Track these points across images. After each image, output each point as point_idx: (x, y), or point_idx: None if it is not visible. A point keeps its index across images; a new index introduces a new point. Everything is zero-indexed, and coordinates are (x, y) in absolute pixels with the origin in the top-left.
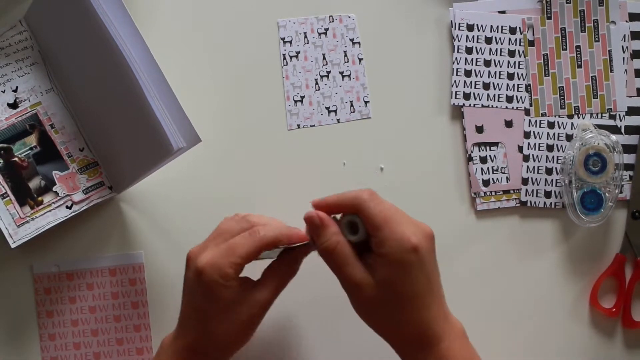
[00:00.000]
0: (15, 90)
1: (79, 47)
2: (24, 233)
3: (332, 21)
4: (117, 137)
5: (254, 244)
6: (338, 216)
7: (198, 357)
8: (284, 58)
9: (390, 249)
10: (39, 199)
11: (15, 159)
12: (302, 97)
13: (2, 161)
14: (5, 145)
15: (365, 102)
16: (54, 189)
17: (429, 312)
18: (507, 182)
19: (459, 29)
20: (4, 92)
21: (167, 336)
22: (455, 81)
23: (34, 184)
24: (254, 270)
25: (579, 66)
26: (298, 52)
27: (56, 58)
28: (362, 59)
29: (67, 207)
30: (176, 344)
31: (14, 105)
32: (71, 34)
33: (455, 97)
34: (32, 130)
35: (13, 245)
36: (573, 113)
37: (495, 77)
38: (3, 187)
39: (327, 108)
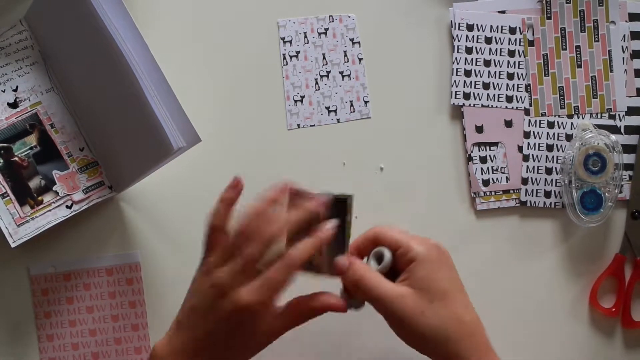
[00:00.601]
0: (15, 90)
1: (79, 47)
2: (24, 232)
3: (332, 21)
4: (117, 137)
5: (288, 273)
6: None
7: None
8: (284, 58)
9: (417, 249)
10: (39, 198)
11: (16, 158)
12: (302, 96)
13: (2, 161)
14: (5, 144)
15: (365, 102)
16: (54, 188)
17: (463, 310)
18: (507, 182)
19: (459, 29)
20: (4, 91)
21: (160, 345)
22: (455, 81)
23: (34, 183)
24: None
25: (579, 66)
26: (298, 52)
27: (56, 58)
28: (362, 58)
29: (67, 206)
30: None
31: (14, 105)
32: (71, 34)
33: (455, 97)
34: (32, 130)
35: (13, 245)
36: (573, 113)
37: (495, 77)
38: (3, 186)
39: (327, 108)
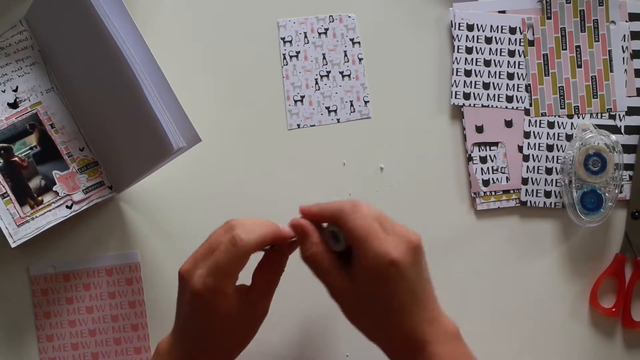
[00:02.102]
0: (15, 90)
1: (79, 47)
2: (24, 232)
3: (332, 21)
4: (117, 137)
5: (237, 254)
6: (325, 224)
7: None
8: (284, 58)
9: (368, 263)
10: (39, 198)
11: (16, 158)
12: (302, 96)
13: (2, 161)
14: (5, 144)
15: (365, 102)
16: (54, 188)
17: (413, 318)
18: (507, 182)
19: (459, 29)
20: (4, 91)
21: (163, 340)
22: (455, 81)
23: (34, 183)
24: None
25: (579, 66)
26: (298, 52)
27: (56, 58)
28: (362, 58)
29: (67, 206)
30: (175, 353)
31: (14, 105)
32: (71, 34)
33: (455, 97)
34: (32, 130)
35: (13, 245)
36: (573, 113)
37: (495, 77)
38: (3, 186)
39: (327, 108)
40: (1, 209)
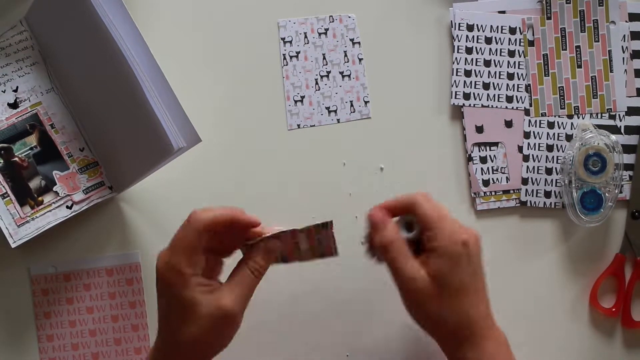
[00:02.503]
0: (15, 90)
1: (79, 47)
2: (24, 233)
3: (332, 21)
4: (117, 137)
5: (190, 230)
6: (395, 219)
7: None
8: (284, 58)
9: (442, 242)
10: (39, 198)
11: (16, 158)
12: (302, 97)
13: (2, 161)
14: (5, 145)
15: (365, 102)
16: (54, 188)
17: (476, 308)
18: (507, 182)
19: (459, 29)
20: (4, 92)
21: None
22: (455, 81)
23: (34, 183)
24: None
25: (579, 66)
26: (298, 52)
27: (56, 58)
28: (362, 59)
29: (67, 207)
30: (152, 349)
31: (14, 105)
32: (71, 34)
33: (455, 97)
34: (32, 130)
35: (13, 245)
36: (573, 113)
37: (495, 77)
38: (3, 187)
39: (327, 108)
40: (1, 209)
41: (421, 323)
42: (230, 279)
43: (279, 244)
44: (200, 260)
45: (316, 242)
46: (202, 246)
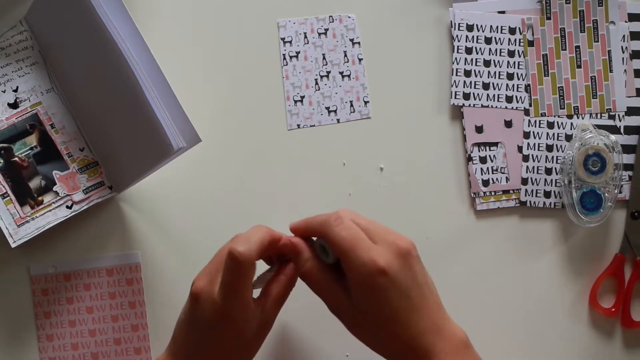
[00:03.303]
0: (15, 90)
1: (79, 47)
2: (24, 233)
3: (332, 21)
4: (117, 137)
5: (240, 269)
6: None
7: None
8: (284, 58)
9: (357, 275)
10: (39, 198)
11: (16, 158)
12: (302, 97)
13: (2, 161)
14: (5, 145)
15: (365, 102)
16: (54, 188)
17: (414, 328)
18: (507, 182)
19: (458, 29)
20: (4, 92)
21: (159, 358)
22: (455, 81)
23: (34, 183)
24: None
25: (579, 66)
26: (298, 52)
27: (56, 58)
28: (362, 59)
29: (67, 206)
30: None
31: (14, 105)
32: (71, 34)
33: (455, 97)
34: (32, 130)
35: (13, 245)
36: (572, 113)
37: (495, 77)
38: (3, 186)
39: (327, 108)
40: (1, 209)
41: (368, 346)
42: (271, 294)
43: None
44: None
45: None
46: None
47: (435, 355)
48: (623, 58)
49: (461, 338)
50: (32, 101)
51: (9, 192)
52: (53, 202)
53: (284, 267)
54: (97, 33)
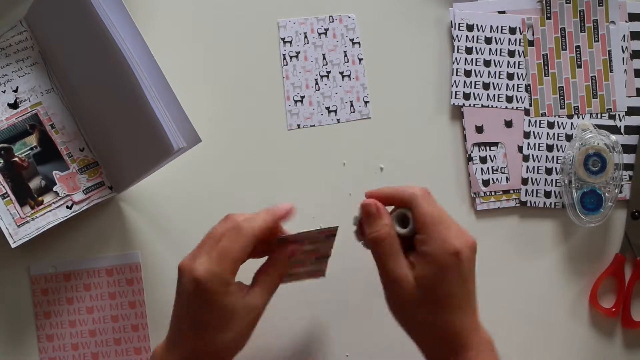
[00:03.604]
0: (15, 91)
1: (79, 47)
2: (24, 233)
3: (332, 21)
4: (117, 137)
5: (243, 239)
6: (389, 209)
7: None
8: (284, 58)
9: (433, 249)
10: (39, 199)
11: (16, 159)
12: (302, 97)
13: (2, 161)
14: (5, 145)
15: (365, 102)
16: (54, 189)
17: (461, 318)
18: (507, 182)
19: (458, 29)
20: (4, 92)
21: (159, 346)
22: (455, 81)
23: (34, 184)
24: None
25: (579, 66)
26: (298, 52)
27: (56, 58)
28: (362, 59)
29: (67, 207)
30: (172, 355)
31: (14, 106)
32: (71, 34)
33: (455, 97)
34: (32, 130)
35: (14, 245)
36: (573, 113)
37: (495, 77)
38: (3, 187)
39: (327, 108)
40: (1, 210)
41: (404, 327)
42: (261, 283)
43: (299, 247)
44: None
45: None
46: (247, 255)
47: (471, 350)
48: (623, 58)
49: (490, 341)
50: (32, 101)
51: (9, 192)
52: (53, 202)
53: (275, 253)
54: (97, 33)
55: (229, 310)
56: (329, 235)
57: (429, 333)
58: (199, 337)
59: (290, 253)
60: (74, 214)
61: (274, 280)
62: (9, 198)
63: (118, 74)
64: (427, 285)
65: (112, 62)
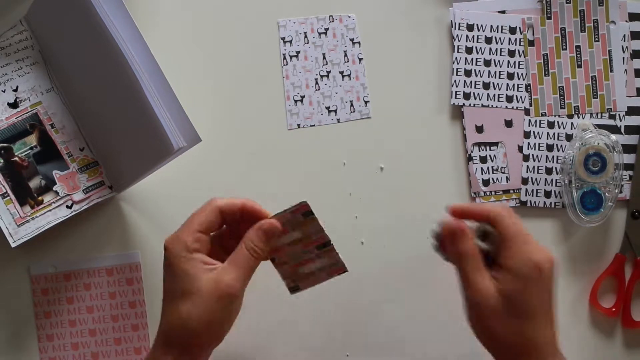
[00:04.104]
0: (15, 90)
1: (79, 47)
2: (24, 232)
3: (332, 21)
4: (117, 137)
5: (210, 211)
6: (469, 223)
7: (174, 351)
8: (284, 58)
9: (517, 262)
10: (39, 198)
11: (16, 158)
12: (302, 96)
13: (2, 161)
14: (5, 144)
15: (365, 102)
16: (54, 188)
17: (540, 333)
18: (507, 182)
19: (459, 29)
20: (4, 91)
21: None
22: (455, 81)
23: (34, 183)
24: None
25: (579, 66)
26: (298, 52)
27: (56, 58)
28: (362, 58)
29: (67, 206)
30: (156, 337)
31: (14, 105)
32: (72, 34)
33: (455, 97)
34: (32, 130)
35: (13, 245)
36: (573, 113)
37: (495, 77)
38: (3, 186)
39: (327, 108)
40: (1, 209)
41: (482, 338)
42: (229, 259)
43: (278, 225)
44: (206, 241)
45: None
46: (212, 227)
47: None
48: (623, 58)
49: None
50: (32, 101)
51: (9, 191)
52: (53, 202)
53: (249, 232)
54: (98, 33)
55: (190, 276)
56: (304, 213)
57: (507, 345)
58: (167, 307)
59: (267, 229)
60: (73, 213)
61: (246, 259)
62: (8, 197)
63: (118, 74)
64: (510, 298)
65: (113, 61)
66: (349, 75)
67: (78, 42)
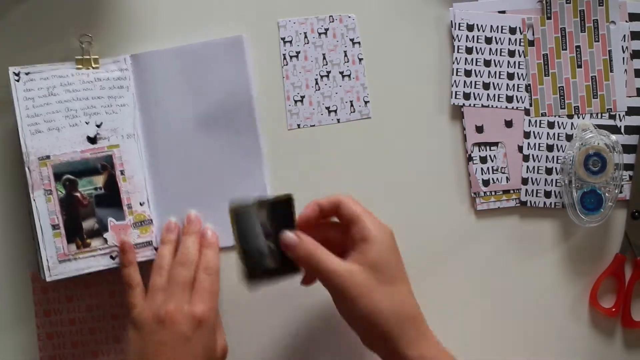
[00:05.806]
0: (98, 126)
1: (185, 102)
2: (62, 270)
3: (332, 21)
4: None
5: (217, 278)
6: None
7: None
8: (284, 58)
9: (375, 231)
10: (88, 241)
11: (78, 194)
12: (302, 97)
13: (64, 192)
14: (72, 177)
15: (365, 102)
16: (105, 235)
17: (412, 296)
18: (507, 182)
19: (459, 29)
20: (87, 123)
21: None
22: (455, 81)
23: (87, 224)
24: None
25: (579, 66)
26: (298, 52)
27: (149, 105)
28: (362, 59)
29: (111, 256)
30: None
31: (93, 140)
32: (181, 89)
33: (455, 97)
34: (102, 171)
35: (48, 280)
36: (573, 113)
37: (495, 77)
38: (57, 217)
39: (327, 108)
40: (48, 239)
41: (358, 321)
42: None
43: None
44: None
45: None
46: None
47: (423, 322)
48: (623, 58)
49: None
50: (111, 142)
51: (61, 225)
52: (99, 249)
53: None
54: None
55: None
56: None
57: (393, 312)
58: None
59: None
60: (115, 266)
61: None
62: (59, 231)
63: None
64: (379, 265)
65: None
66: (349, 76)
67: (187, 97)
